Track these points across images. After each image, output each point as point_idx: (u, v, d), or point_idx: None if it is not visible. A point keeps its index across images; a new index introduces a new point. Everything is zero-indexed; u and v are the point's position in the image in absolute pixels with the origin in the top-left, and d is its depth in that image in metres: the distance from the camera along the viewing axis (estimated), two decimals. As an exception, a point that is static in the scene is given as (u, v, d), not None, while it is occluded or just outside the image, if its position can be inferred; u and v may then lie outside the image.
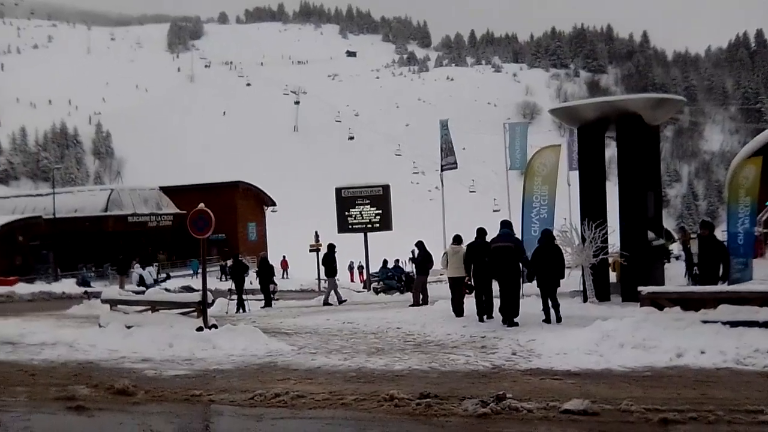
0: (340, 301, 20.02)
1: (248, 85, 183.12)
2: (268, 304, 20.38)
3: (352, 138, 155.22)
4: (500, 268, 12.09)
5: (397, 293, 24.25)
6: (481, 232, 13.11)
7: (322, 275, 24.81)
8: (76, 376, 8.54)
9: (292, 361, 9.14)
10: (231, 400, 6.96)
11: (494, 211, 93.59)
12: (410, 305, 17.06)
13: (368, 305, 19.17)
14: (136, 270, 26.30)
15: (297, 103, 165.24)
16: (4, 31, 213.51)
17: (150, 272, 28.39)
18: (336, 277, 21.30)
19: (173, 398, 7.19)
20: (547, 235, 12.92)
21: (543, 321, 11.91)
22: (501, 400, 6.24)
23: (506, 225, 12.70)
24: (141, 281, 25.57)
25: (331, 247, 20.81)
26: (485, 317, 12.43)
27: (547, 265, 12.28)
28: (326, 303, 19.91)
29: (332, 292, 20.27)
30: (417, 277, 18.53)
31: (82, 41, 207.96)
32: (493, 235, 12.66)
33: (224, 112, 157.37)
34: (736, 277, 15.53)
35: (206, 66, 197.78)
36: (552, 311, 12.04)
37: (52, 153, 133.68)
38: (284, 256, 45.75)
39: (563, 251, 13.86)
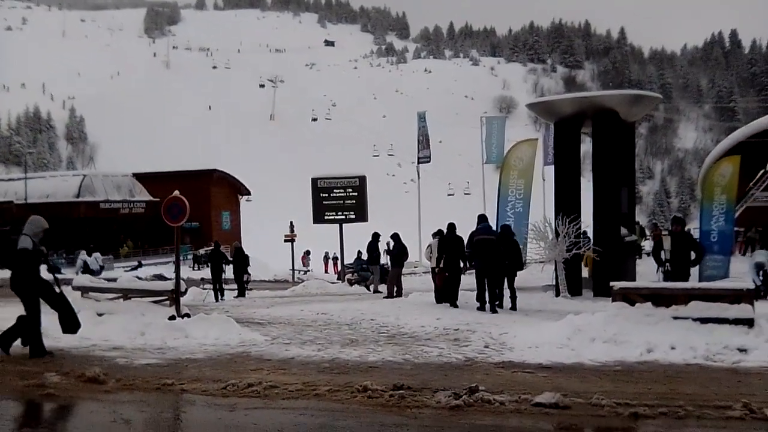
0: (376, 291, 19.84)
1: (225, 71, 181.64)
2: (241, 293, 20.32)
3: (315, 119, 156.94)
4: (486, 259, 13.06)
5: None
6: (452, 227, 14.14)
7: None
8: (46, 363, 8.44)
9: (265, 351, 9.11)
10: (203, 390, 6.92)
11: (465, 194, 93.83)
12: (384, 297, 17.09)
13: (342, 296, 19.17)
14: (81, 257, 26.09)
15: (273, 84, 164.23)
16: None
17: (96, 258, 28.30)
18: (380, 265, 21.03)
19: (145, 387, 7.14)
20: (506, 229, 14.04)
21: (478, 309, 13.01)
22: (474, 392, 6.27)
23: (484, 219, 13.72)
24: (86, 268, 25.39)
25: (376, 236, 20.07)
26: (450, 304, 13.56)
27: (507, 257, 13.34)
28: (376, 291, 19.73)
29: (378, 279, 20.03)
30: (392, 269, 18.57)
31: (57, 24, 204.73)
32: (468, 229, 13.57)
33: (210, 107, 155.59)
34: (710, 274, 15.77)
35: (186, 50, 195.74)
36: (511, 301, 13.33)
37: (25, 137, 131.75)
38: (308, 251, 44.53)
39: (537, 245, 14.42)
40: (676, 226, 13.91)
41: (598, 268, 15.84)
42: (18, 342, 8.85)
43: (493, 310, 12.78)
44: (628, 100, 16.68)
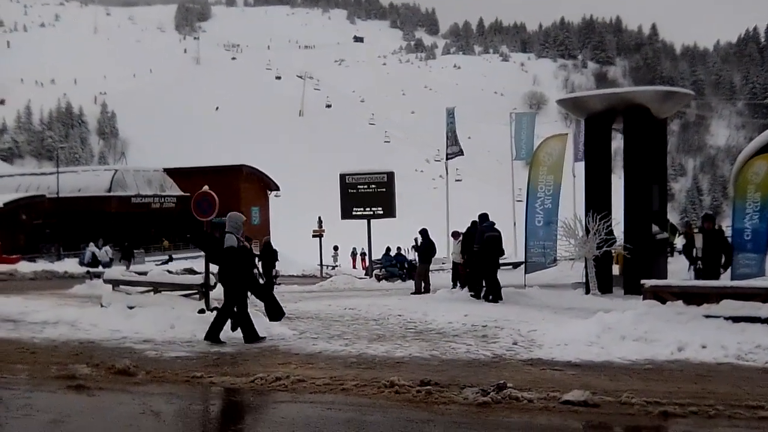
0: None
1: (254, 67, 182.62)
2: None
3: (329, 106, 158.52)
4: (494, 254, 14.25)
5: (399, 281, 24.26)
6: (476, 223, 15.15)
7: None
8: (77, 355, 8.56)
9: (293, 345, 9.15)
10: (231, 383, 6.97)
11: (456, 180, 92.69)
12: (412, 293, 17.08)
13: (370, 292, 19.17)
14: (90, 248, 26.28)
15: (302, 80, 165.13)
16: (11, 9, 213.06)
17: (106, 251, 28.72)
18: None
19: (174, 380, 7.21)
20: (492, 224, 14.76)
21: (489, 300, 13.99)
22: (501, 389, 6.23)
23: (487, 217, 14.67)
24: (94, 259, 25.56)
25: (425, 232, 19.81)
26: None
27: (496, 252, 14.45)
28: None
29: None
30: (419, 265, 18.53)
31: (89, 21, 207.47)
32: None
33: (217, 108, 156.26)
34: (744, 272, 15.54)
35: (216, 46, 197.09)
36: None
37: (57, 132, 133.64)
38: (336, 247, 44.57)
39: (567, 242, 14.62)
40: (707, 224, 13.73)
41: (628, 266, 15.68)
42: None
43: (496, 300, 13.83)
44: (660, 97, 16.48)
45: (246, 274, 9.42)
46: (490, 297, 14.03)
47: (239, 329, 9.41)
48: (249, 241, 21.40)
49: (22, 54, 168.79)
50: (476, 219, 15.12)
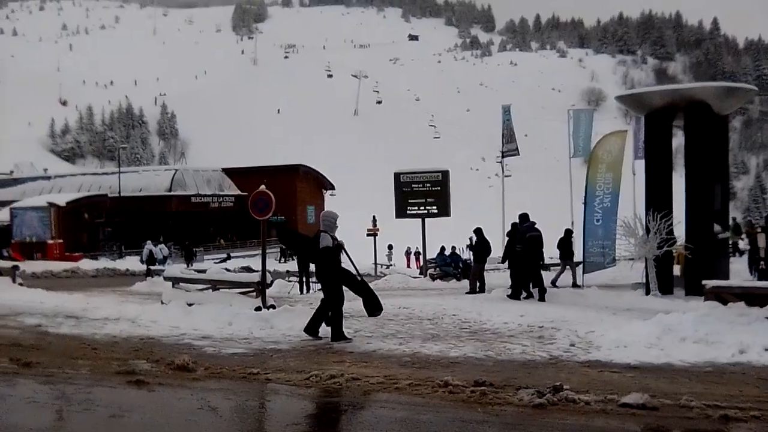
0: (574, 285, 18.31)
1: (311, 67, 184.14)
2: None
3: (380, 102, 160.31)
4: (536, 254, 14.68)
5: (454, 280, 24.16)
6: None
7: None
8: (137, 351, 8.75)
9: (347, 343, 9.19)
10: (287, 380, 7.03)
11: (506, 176, 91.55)
12: (467, 292, 16.99)
13: (424, 291, 19.15)
14: (147, 246, 26.99)
15: (357, 79, 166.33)
16: (73, 12, 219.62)
17: (161, 249, 29.40)
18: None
19: (231, 375, 7.31)
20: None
21: (524, 298, 14.54)
22: (558, 391, 6.14)
23: (527, 218, 14.99)
24: (150, 257, 26.25)
25: (569, 232, 19.30)
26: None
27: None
28: (575, 285, 18.03)
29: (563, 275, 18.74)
30: (474, 265, 18.41)
31: (148, 23, 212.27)
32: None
33: (278, 110, 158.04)
34: None
35: (273, 47, 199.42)
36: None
37: (118, 133, 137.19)
38: (390, 246, 44.65)
39: (627, 242, 14.54)
40: (772, 224, 13.32)
41: (689, 266, 15.31)
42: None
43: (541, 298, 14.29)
44: (721, 93, 16.05)
45: (342, 272, 9.58)
46: (536, 296, 14.36)
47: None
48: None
49: (84, 56, 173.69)
50: (516, 221, 15.53)
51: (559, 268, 19.01)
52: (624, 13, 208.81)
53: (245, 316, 10.77)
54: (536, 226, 14.78)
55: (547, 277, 17.58)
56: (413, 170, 27.80)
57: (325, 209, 10.04)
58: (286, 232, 13.24)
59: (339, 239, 9.52)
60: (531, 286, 14.76)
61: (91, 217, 45.29)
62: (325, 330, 9.57)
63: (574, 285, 17.62)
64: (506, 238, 16.23)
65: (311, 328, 9.56)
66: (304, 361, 8.05)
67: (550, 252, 20.92)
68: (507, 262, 16.47)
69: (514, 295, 14.55)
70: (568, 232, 19.17)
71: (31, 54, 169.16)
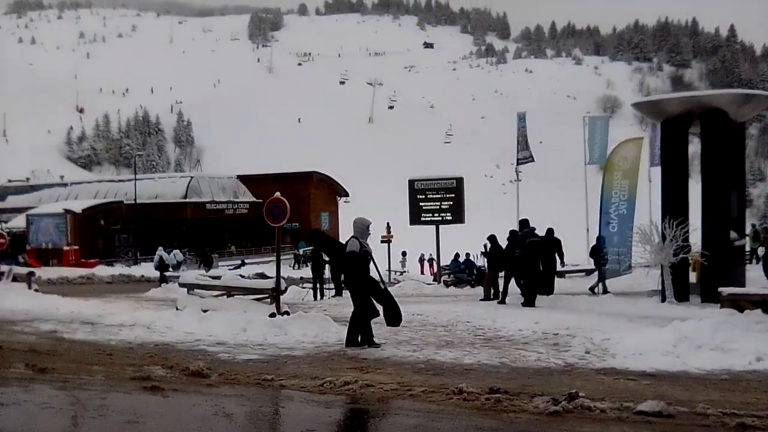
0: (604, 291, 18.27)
1: (326, 75, 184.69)
2: (338, 293, 20.53)
3: (392, 107, 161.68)
4: (536, 260, 14.88)
5: (468, 287, 24.08)
6: (550, 231, 16.58)
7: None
8: (152, 357, 8.78)
9: (361, 350, 9.18)
10: (301, 386, 7.04)
11: (512, 181, 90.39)
12: (481, 299, 16.94)
13: (438, 298, 19.10)
14: (158, 252, 27.17)
15: (371, 85, 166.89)
16: (90, 21, 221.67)
17: (175, 255, 29.56)
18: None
19: (246, 382, 7.32)
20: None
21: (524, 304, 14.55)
22: (573, 398, 6.10)
23: (528, 223, 15.33)
24: (161, 263, 26.41)
25: (493, 238, 19.04)
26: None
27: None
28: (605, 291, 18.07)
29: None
30: (488, 272, 18.35)
31: (164, 31, 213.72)
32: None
33: (299, 119, 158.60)
34: None
35: (289, 55, 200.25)
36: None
37: (134, 140, 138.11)
38: (404, 252, 44.87)
39: (643, 249, 14.41)
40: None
41: (706, 273, 15.20)
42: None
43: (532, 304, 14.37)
44: (738, 100, 15.94)
45: (366, 278, 9.49)
46: (523, 301, 14.59)
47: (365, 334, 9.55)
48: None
49: (101, 64, 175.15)
50: (514, 228, 16.19)
51: (597, 275, 18.80)
52: (640, 21, 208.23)
53: (259, 322, 10.79)
54: (536, 231, 15.12)
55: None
56: (427, 177, 27.75)
57: (357, 216, 9.98)
58: (317, 235, 13.17)
59: (368, 246, 9.48)
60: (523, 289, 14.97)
61: (106, 223, 45.61)
62: (379, 334, 9.57)
63: (605, 291, 17.58)
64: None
65: (350, 340, 9.44)
66: (318, 367, 8.05)
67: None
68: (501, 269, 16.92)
69: (528, 302, 14.51)
70: (600, 240, 19.02)
71: (48, 62, 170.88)
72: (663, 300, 14.75)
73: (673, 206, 15.46)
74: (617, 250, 16.78)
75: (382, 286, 9.70)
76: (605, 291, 17.59)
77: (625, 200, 16.96)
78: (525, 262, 14.73)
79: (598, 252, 18.43)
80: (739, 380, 7.24)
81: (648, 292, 16.22)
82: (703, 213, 15.49)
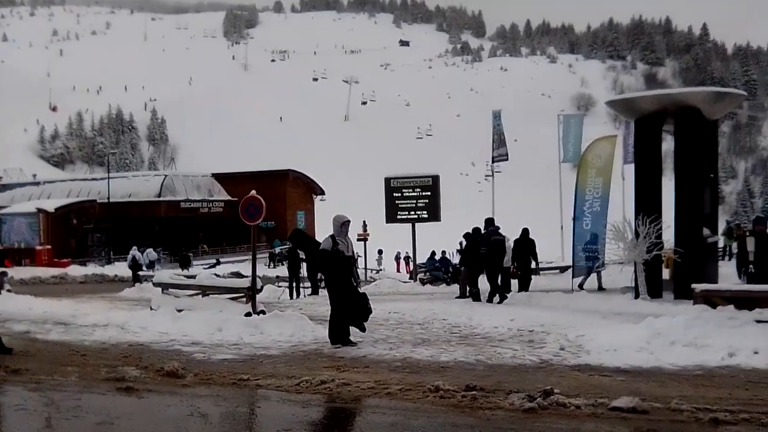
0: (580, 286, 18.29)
1: (301, 73, 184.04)
2: (315, 292, 20.50)
3: (365, 103, 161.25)
4: (500, 257, 15.30)
5: (444, 285, 24.15)
6: (525, 231, 17.03)
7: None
8: (126, 357, 8.71)
9: (338, 349, 9.17)
10: (278, 386, 7.02)
11: (487, 176, 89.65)
12: (456, 297, 17.00)
13: (414, 296, 19.15)
14: (131, 252, 27.02)
15: (347, 82, 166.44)
16: (64, 18, 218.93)
17: (148, 254, 29.46)
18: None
19: (221, 382, 7.29)
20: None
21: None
22: (548, 395, 6.15)
23: (493, 222, 15.84)
24: (134, 262, 26.28)
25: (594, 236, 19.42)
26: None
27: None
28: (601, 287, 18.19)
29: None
30: (464, 269, 18.41)
31: (139, 28, 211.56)
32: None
33: (281, 118, 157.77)
34: None
35: (264, 52, 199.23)
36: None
37: (108, 138, 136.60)
38: (380, 250, 45.06)
39: (616, 246, 14.55)
40: (759, 227, 13.35)
41: (679, 270, 15.35)
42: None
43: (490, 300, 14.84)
44: (711, 98, 16.12)
45: (339, 276, 9.36)
46: (496, 298, 14.86)
47: (360, 329, 9.63)
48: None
49: (75, 62, 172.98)
50: (477, 226, 16.31)
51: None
52: (614, 19, 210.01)
53: (235, 321, 10.74)
54: (500, 230, 15.50)
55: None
56: (403, 175, 27.80)
57: (336, 214, 9.85)
58: (298, 234, 13.12)
59: (343, 244, 9.34)
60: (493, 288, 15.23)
61: (79, 222, 45.10)
62: (355, 333, 9.56)
63: (600, 288, 17.77)
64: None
65: (332, 337, 9.42)
66: (294, 366, 8.03)
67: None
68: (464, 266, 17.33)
69: (491, 298, 14.97)
70: (594, 236, 19.16)
71: (21, 60, 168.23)
72: (636, 296, 14.87)
73: (647, 203, 15.59)
74: (591, 247, 16.91)
75: (355, 284, 9.64)
76: (581, 287, 17.72)
77: (599, 198, 17.08)
78: (489, 260, 15.11)
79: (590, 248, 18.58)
80: (712, 376, 7.34)
81: (621, 289, 16.35)
82: (676, 210, 15.63)
